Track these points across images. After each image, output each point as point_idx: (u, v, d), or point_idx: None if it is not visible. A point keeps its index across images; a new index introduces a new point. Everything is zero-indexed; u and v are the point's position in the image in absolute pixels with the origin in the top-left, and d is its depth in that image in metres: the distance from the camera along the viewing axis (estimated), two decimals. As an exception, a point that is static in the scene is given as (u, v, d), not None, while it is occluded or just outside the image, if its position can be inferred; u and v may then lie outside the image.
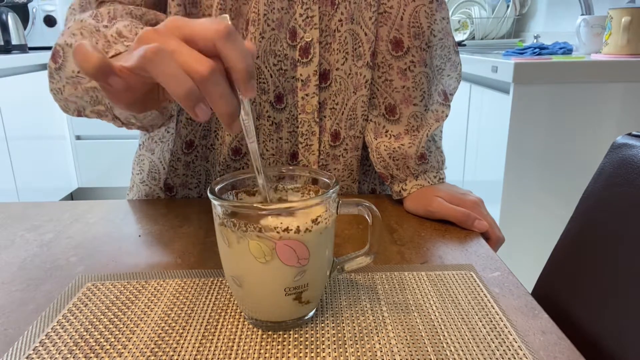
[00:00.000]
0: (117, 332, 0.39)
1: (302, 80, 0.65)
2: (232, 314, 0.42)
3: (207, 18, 0.36)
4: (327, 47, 0.65)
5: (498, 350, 0.37)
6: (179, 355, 0.37)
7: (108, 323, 0.41)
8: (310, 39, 0.63)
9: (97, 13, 0.55)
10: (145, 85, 0.37)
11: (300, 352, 0.37)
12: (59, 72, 0.53)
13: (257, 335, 0.39)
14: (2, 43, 2.44)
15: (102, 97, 0.50)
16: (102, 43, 0.48)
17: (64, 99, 0.55)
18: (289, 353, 0.37)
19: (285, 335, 0.39)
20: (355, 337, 0.39)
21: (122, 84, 0.35)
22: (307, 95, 0.66)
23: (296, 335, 0.39)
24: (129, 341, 0.38)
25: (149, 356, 0.37)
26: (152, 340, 0.38)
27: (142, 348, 0.38)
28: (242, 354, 0.37)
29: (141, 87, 0.37)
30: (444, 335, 0.39)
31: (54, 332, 0.40)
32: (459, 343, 0.38)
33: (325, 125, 0.68)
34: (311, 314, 0.41)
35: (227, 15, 0.36)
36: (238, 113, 0.36)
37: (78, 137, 2.79)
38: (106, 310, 0.42)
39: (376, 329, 0.40)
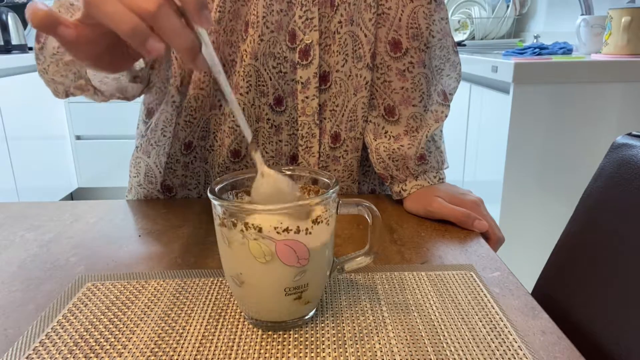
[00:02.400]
0: (117, 332, 0.39)
1: (302, 83, 0.65)
2: (232, 314, 0.42)
3: None
4: (327, 49, 0.65)
5: (498, 350, 0.37)
6: (179, 355, 0.37)
7: (108, 323, 0.41)
8: (310, 41, 0.63)
9: None
10: (99, 35, 0.38)
11: (300, 352, 0.37)
12: (42, 51, 0.55)
13: (257, 335, 0.39)
14: (2, 43, 2.44)
15: (80, 69, 0.52)
16: (77, 16, 0.49)
17: (51, 79, 0.57)
18: (289, 353, 0.37)
19: (285, 335, 0.39)
20: (355, 337, 0.39)
21: (72, 34, 0.36)
22: (307, 97, 0.66)
23: (296, 335, 0.39)
24: (129, 341, 0.38)
25: (149, 356, 0.37)
26: (152, 340, 0.38)
27: (142, 348, 0.38)
28: (242, 354, 0.37)
29: (97, 38, 0.38)
30: (444, 335, 0.39)
31: (54, 332, 0.40)
32: (459, 343, 0.38)
33: (325, 127, 0.68)
34: (311, 314, 0.41)
35: None
36: (198, 47, 0.35)
37: (78, 137, 2.79)
38: (106, 310, 0.42)
39: (376, 329, 0.40)
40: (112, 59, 0.42)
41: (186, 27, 0.35)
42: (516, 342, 0.38)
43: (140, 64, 0.55)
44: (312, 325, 0.40)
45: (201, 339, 0.39)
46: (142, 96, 0.74)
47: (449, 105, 0.70)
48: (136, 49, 0.35)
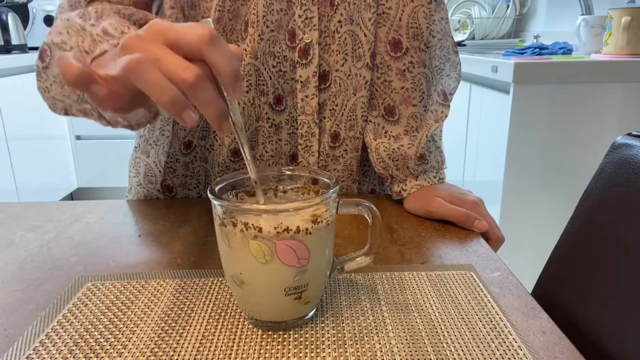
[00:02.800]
0: (117, 332, 0.39)
1: (301, 82, 0.65)
2: (232, 314, 0.42)
3: (190, 23, 0.37)
4: (327, 48, 0.65)
5: (498, 350, 0.37)
6: (179, 355, 0.37)
7: (108, 323, 0.41)
8: (309, 40, 0.63)
9: (84, 12, 0.55)
10: (130, 92, 0.37)
11: (300, 352, 0.37)
12: (46, 70, 0.54)
13: (257, 335, 0.39)
14: (2, 43, 2.44)
15: (87, 96, 0.51)
16: (88, 42, 0.48)
17: (51, 97, 0.56)
18: (289, 353, 0.37)
19: (285, 335, 0.39)
20: (355, 337, 0.39)
21: (105, 91, 0.36)
22: (306, 96, 0.66)
23: (296, 335, 0.39)
24: (129, 341, 0.38)
25: (149, 356, 0.37)
26: (152, 340, 0.38)
27: (142, 348, 0.38)
28: (242, 354, 0.37)
29: (126, 94, 0.38)
30: (444, 335, 0.39)
31: (54, 332, 0.40)
32: (459, 343, 0.38)
33: (324, 127, 0.68)
34: (311, 314, 0.41)
35: (209, 19, 0.37)
36: (227, 115, 0.36)
37: (78, 137, 2.79)
38: (106, 310, 0.42)
39: (376, 329, 0.40)
40: (131, 107, 0.42)
41: (219, 97, 0.36)
42: (516, 342, 0.38)
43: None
44: (312, 325, 0.40)
45: (201, 339, 0.39)
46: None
47: (449, 105, 0.70)
48: (174, 117, 0.35)
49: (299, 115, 0.67)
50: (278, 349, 0.37)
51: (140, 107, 0.44)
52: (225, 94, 0.37)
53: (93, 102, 0.40)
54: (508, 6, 2.28)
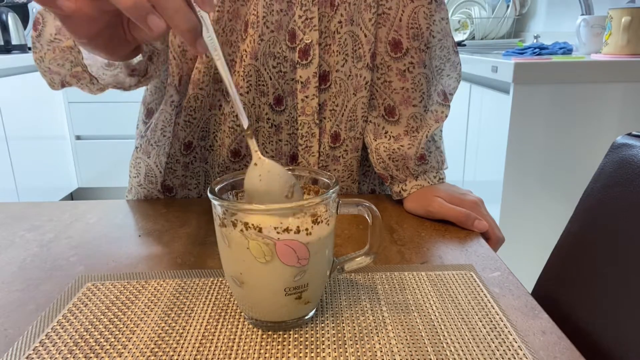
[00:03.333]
0: (117, 332, 0.39)
1: (301, 82, 0.65)
2: (232, 314, 0.42)
3: None
4: (327, 48, 0.65)
5: (498, 350, 0.37)
6: (179, 355, 0.37)
7: (108, 323, 0.41)
8: (309, 40, 0.63)
9: None
10: (99, 10, 0.37)
11: (300, 352, 0.37)
12: (39, 39, 0.55)
13: (257, 335, 0.39)
14: (2, 43, 2.44)
15: (77, 55, 0.52)
16: None
17: (46, 68, 0.56)
18: (289, 353, 0.37)
19: (285, 335, 0.39)
20: (355, 337, 0.39)
21: (71, 6, 0.36)
22: (306, 97, 0.66)
23: (296, 335, 0.39)
24: (129, 341, 0.38)
25: (149, 356, 0.37)
26: (152, 340, 0.38)
27: (142, 348, 0.38)
28: (242, 354, 0.37)
29: (97, 14, 0.38)
30: (444, 335, 0.39)
31: (54, 332, 0.40)
32: (459, 343, 0.38)
33: (325, 127, 0.68)
34: (311, 314, 0.41)
35: None
36: (200, 30, 0.35)
37: (78, 137, 2.80)
38: (106, 310, 0.42)
39: (376, 329, 0.40)
40: (110, 41, 0.42)
41: (188, 8, 0.35)
42: (516, 342, 0.38)
43: (137, 58, 0.55)
44: (312, 325, 0.40)
45: (201, 339, 0.39)
46: (142, 96, 0.74)
47: (449, 106, 0.70)
48: (138, 24, 0.35)
49: (299, 116, 0.67)
50: (278, 349, 0.37)
51: (122, 51, 0.44)
52: (195, 6, 0.36)
53: (67, 30, 0.40)
54: (508, 6, 2.29)
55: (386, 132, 0.68)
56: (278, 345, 0.38)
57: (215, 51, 0.37)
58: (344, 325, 0.40)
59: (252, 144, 0.40)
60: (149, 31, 0.34)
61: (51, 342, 0.38)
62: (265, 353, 0.37)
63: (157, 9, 0.34)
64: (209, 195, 0.37)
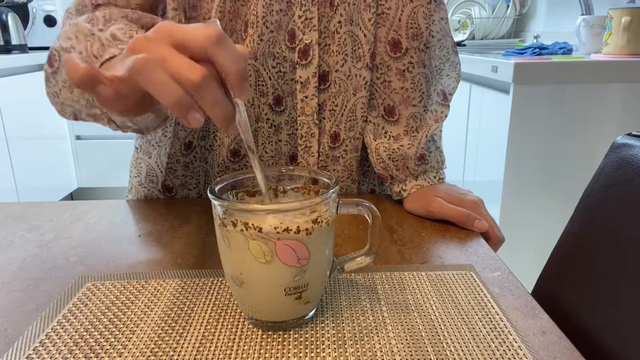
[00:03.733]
0: (117, 332, 0.39)
1: (301, 82, 0.65)
2: (232, 314, 0.42)
3: (198, 23, 0.37)
4: (326, 48, 0.65)
5: (498, 350, 0.37)
6: (179, 355, 0.37)
7: (108, 323, 0.41)
8: (309, 40, 0.63)
9: (92, 17, 0.55)
10: (136, 93, 0.37)
11: (300, 352, 0.37)
12: (55, 75, 0.54)
13: (257, 335, 0.39)
14: (2, 43, 2.44)
15: (95, 101, 0.51)
16: (96, 46, 0.48)
17: (60, 102, 0.55)
18: (289, 353, 0.37)
19: (285, 335, 0.39)
20: (355, 337, 0.39)
21: (111, 93, 0.35)
22: (306, 97, 0.66)
23: (296, 335, 0.39)
24: (129, 341, 0.38)
25: (149, 356, 0.37)
26: (152, 340, 0.38)
27: (142, 348, 0.38)
28: (242, 354, 0.37)
29: (133, 95, 0.38)
30: (444, 335, 0.39)
31: (54, 332, 0.40)
32: (459, 343, 0.38)
33: (324, 127, 0.68)
34: (311, 314, 0.41)
35: (217, 20, 0.37)
36: (234, 116, 0.36)
37: (78, 137, 2.79)
38: (106, 310, 0.42)
39: (376, 329, 0.40)
40: (138, 107, 0.42)
41: (226, 97, 0.35)
42: (516, 342, 0.38)
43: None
44: (312, 325, 0.40)
45: (201, 339, 0.39)
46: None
47: (448, 105, 0.70)
48: (178, 118, 0.35)
49: (299, 116, 0.67)
50: (278, 349, 0.37)
51: (148, 110, 0.44)
52: (232, 94, 0.37)
53: (99, 104, 0.40)
54: (508, 6, 2.28)
55: (386, 132, 0.68)
56: (278, 345, 0.38)
57: (247, 134, 0.38)
58: (344, 325, 0.40)
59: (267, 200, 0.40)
60: (186, 124, 0.35)
61: (51, 342, 0.38)
62: (265, 353, 0.37)
63: (196, 99, 0.34)
64: (209, 195, 0.38)
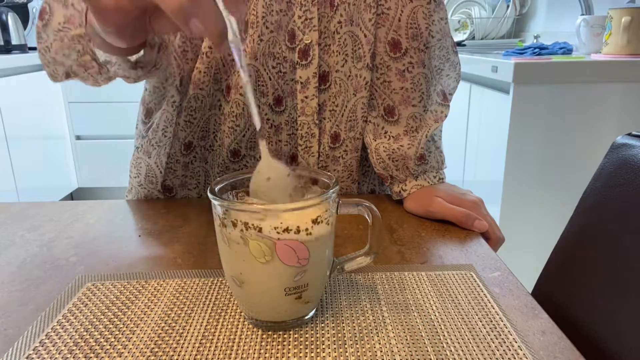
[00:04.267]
0: (117, 332, 0.39)
1: (301, 83, 0.65)
2: (232, 314, 0.42)
3: None
4: (327, 49, 0.65)
5: (498, 350, 0.37)
6: (179, 355, 0.37)
7: (108, 323, 0.41)
8: (309, 41, 0.63)
9: None
10: (135, 5, 0.38)
11: (300, 352, 0.37)
12: (45, 29, 0.55)
13: (257, 335, 0.39)
14: (2, 43, 2.44)
15: (87, 45, 0.52)
16: None
17: (51, 59, 0.56)
18: (289, 353, 0.37)
19: (285, 335, 0.39)
20: (355, 337, 0.39)
21: (112, 3, 0.37)
22: (306, 97, 0.66)
23: (296, 335, 0.39)
24: (129, 341, 0.38)
25: (149, 356, 0.37)
26: (152, 340, 0.38)
27: (142, 348, 0.38)
28: (242, 354, 0.37)
29: (132, 8, 0.39)
30: (444, 335, 0.39)
31: (54, 332, 0.40)
32: (459, 343, 0.38)
33: (324, 127, 0.68)
34: (311, 314, 0.41)
35: None
36: (226, 33, 0.37)
37: (78, 137, 2.79)
38: (106, 310, 0.42)
39: (376, 329, 0.40)
40: (133, 32, 0.43)
41: (219, 13, 0.37)
42: (516, 342, 0.38)
43: (136, 55, 0.55)
44: (312, 325, 0.40)
45: (201, 339, 0.39)
46: (141, 96, 0.74)
47: (448, 105, 0.70)
48: (179, 25, 0.36)
49: (299, 116, 0.67)
50: (278, 349, 0.37)
51: (139, 41, 0.45)
52: (224, 13, 0.37)
53: (97, 17, 0.41)
54: (508, 6, 2.29)
55: (386, 132, 0.68)
56: (278, 345, 0.38)
57: (238, 54, 0.39)
58: (344, 325, 0.40)
59: (263, 145, 0.40)
60: (188, 33, 0.36)
61: (51, 342, 0.38)
62: (265, 353, 0.37)
63: (193, 9, 0.36)
64: (209, 195, 0.37)
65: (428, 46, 0.65)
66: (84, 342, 0.38)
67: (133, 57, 0.54)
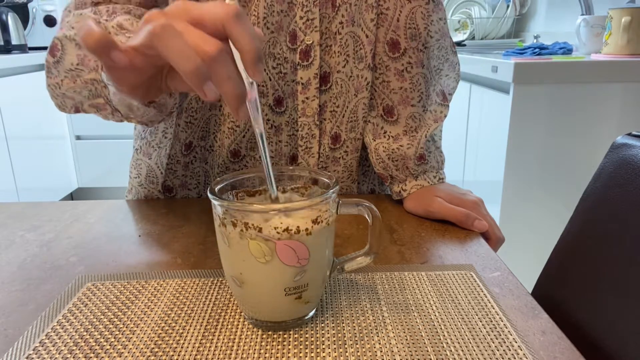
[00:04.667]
0: (117, 332, 0.39)
1: (302, 84, 0.65)
2: (232, 314, 0.42)
3: (215, 1, 0.36)
4: (328, 49, 0.65)
5: (498, 350, 0.37)
6: (179, 355, 0.37)
7: (108, 323, 0.41)
8: (310, 41, 0.63)
9: (95, 9, 0.55)
10: (150, 66, 0.37)
11: (300, 352, 0.37)
12: (57, 65, 0.53)
13: (257, 335, 0.39)
14: (2, 43, 2.44)
15: (102, 89, 0.50)
16: (129, 41, 0.48)
17: (61, 94, 0.55)
18: (289, 353, 0.37)
19: (285, 335, 0.39)
20: (355, 337, 0.39)
21: (125, 61, 0.35)
22: (307, 98, 0.66)
23: (296, 335, 0.39)
24: (129, 341, 0.38)
25: (149, 356, 0.37)
26: (152, 340, 0.38)
27: (142, 348, 0.38)
28: (242, 354, 0.37)
29: (146, 68, 0.37)
30: (444, 335, 0.39)
31: (54, 332, 0.40)
32: (459, 343, 0.38)
33: (325, 128, 0.68)
34: (311, 314, 0.41)
35: None
36: (245, 98, 0.35)
37: (78, 137, 2.79)
38: (106, 310, 0.42)
39: (376, 329, 0.40)
40: (148, 90, 0.42)
41: (239, 75, 0.35)
42: (516, 342, 0.38)
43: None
44: (312, 325, 0.40)
45: (201, 339, 0.39)
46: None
47: (448, 106, 0.70)
48: (193, 87, 0.34)
49: (300, 117, 0.67)
50: (278, 349, 0.37)
51: (155, 97, 0.44)
52: (245, 76, 0.36)
53: (111, 77, 0.40)
54: (508, 6, 2.28)
55: (385, 132, 0.68)
56: (278, 345, 0.38)
57: (257, 119, 0.37)
58: (344, 325, 0.40)
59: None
60: (202, 97, 0.34)
61: (51, 342, 0.38)
62: (265, 353, 0.37)
63: (210, 73, 0.34)
64: (209, 195, 0.37)
65: (427, 46, 0.65)
66: (84, 342, 0.38)
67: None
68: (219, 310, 0.42)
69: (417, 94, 0.66)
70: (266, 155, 0.38)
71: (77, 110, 0.56)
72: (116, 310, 0.42)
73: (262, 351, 0.37)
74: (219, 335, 0.39)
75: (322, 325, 0.40)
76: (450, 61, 0.69)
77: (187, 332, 0.39)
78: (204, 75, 0.33)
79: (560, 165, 1.39)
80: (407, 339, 0.38)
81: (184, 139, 0.69)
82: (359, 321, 0.41)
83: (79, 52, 0.51)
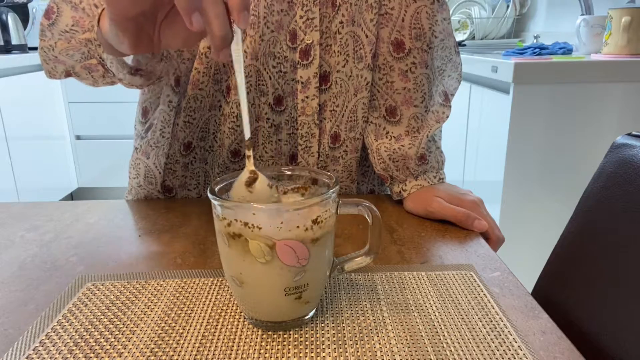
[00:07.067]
0: (117, 332, 0.39)
1: (302, 83, 0.65)
2: (232, 314, 0.42)
3: None
4: (328, 49, 0.65)
5: (498, 350, 0.37)
6: (179, 355, 0.37)
7: (108, 323, 0.41)
8: (310, 41, 0.63)
9: None
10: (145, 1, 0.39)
11: (300, 352, 0.37)
12: (51, 28, 0.54)
13: (257, 335, 0.39)
14: (2, 43, 2.44)
15: (96, 48, 0.52)
16: None
17: (53, 57, 0.56)
18: (289, 353, 0.37)
19: (285, 335, 0.39)
20: (355, 337, 0.39)
21: None
22: (307, 97, 0.66)
23: (296, 335, 0.39)
24: (129, 341, 0.38)
25: (149, 356, 0.37)
26: (152, 340, 0.38)
27: (142, 348, 0.38)
28: (242, 354, 0.37)
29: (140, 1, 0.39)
30: (444, 335, 0.39)
31: (54, 332, 0.40)
32: (459, 343, 0.38)
33: (325, 127, 0.68)
34: (311, 314, 0.41)
35: None
36: (230, 40, 0.37)
37: (78, 137, 2.79)
38: (106, 310, 0.42)
39: (376, 329, 0.40)
40: (138, 34, 0.43)
41: (227, 18, 0.37)
42: (516, 342, 0.38)
43: (132, 61, 0.55)
44: (312, 325, 0.40)
45: (201, 339, 0.39)
46: (138, 97, 0.74)
47: (450, 106, 0.70)
48: (182, 13, 0.36)
49: (299, 116, 0.67)
50: (278, 349, 0.37)
51: (145, 51, 0.45)
52: (232, 20, 0.37)
53: (107, 4, 0.41)
54: (508, 6, 2.28)
55: (387, 133, 0.68)
56: (278, 345, 0.38)
57: (238, 63, 0.39)
58: (344, 325, 0.40)
59: (249, 154, 0.40)
60: (188, 25, 0.36)
61: (51, 342, 0.38)
62: (265, 353, 0.37)
63: (201, 9, 0.36)
64: (209, 195, 0.37)
65: (431, 46, 0.65)
66: (84, 342, 0.38)
67: (130, 60, 0.54)
68: (219, 310, 0.42)
69: (420, 95, 0.66)
70: (244, 99, 0.39)
71: (67, 75, 0.57)
72: (116, 310, 0.42)
73: (262, 351, 0.37)
74: (219, 335, 0.39)
75: (322, 325, 0.40)
76: (453, 61, 0.69)
77: (187, 332, 0.39)
78: (194, 3, 0.35)
79: (560, 165, 1.39)
80: (407, 339, 0.38)
81: (182, 139, 0.68)
82: (359, 321, 0.41)
83: (74, 14, 0.53)
